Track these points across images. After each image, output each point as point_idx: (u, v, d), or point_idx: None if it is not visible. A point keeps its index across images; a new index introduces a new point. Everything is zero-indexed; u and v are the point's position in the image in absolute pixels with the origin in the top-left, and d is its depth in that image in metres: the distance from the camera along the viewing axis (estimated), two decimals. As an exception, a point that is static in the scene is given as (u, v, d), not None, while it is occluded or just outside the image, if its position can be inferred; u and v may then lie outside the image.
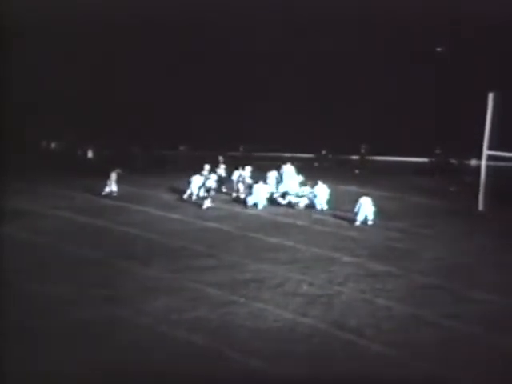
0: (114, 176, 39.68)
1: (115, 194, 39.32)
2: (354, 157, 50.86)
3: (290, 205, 37.45)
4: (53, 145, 51.80)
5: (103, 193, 39.16)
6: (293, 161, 41.85)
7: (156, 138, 51.18)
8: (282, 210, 37.27)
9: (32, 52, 50.69)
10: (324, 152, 51.20)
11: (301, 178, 39.29)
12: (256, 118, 50.90)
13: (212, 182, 38.72)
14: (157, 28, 52.23)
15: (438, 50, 54.43)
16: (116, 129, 50.06)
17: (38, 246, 29.73)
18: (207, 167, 39.53)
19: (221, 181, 40.50)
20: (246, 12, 51.14)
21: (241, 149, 50.11)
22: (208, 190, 38.07)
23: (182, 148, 50.98)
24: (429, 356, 20.16)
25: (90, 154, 49.30)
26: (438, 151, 49.50)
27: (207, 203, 37.08)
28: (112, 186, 39.52)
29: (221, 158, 41.55)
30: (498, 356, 20.31)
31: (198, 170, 39.11)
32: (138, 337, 21.02)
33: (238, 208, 37.49)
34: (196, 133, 49.58)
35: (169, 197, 39.60)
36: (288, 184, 38.79)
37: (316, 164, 49.04)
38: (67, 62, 51.47)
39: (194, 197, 38.41)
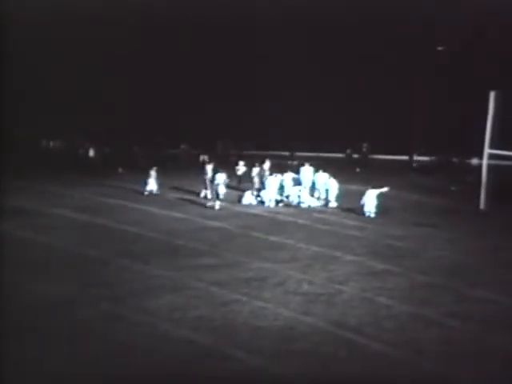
0: (153, 174, 39.20)
1: (156, 192, 39.08)
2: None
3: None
4: (51, 143, 51.87)
5: (145, 192, 38.97)
6: (293, 160, 41.89)
7: (157, 137, 51.27)
8: (282, 208, 37.33)
9: (32, 52, 50.75)
10: (348, 151, 51.38)
11: (326, 174, 39.23)
12: (256, 118, 51.02)
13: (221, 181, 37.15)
14: (157, 28, 52.31)
15: (439, 48, 54.47)
16: (117, 128, 50.13)
17: (37, 244, 29.69)
18: (210, 167, 39.25)
19: (240, 180, 40.72)
20: (247, 12, 51.17)
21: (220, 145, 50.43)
22: (217, 191, 36.89)
23: (182, 146, 51.02)
24: (429, 355, 20.11)
25: (91, 153, 49.31)
26: (422, 150, 49.72)
27: (218, 204, 36.52)
28: (152, 185, 39.14)
29: (206, 158, 41.31)
30: (499, 356, 20.26)
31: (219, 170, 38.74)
32: (140, 336, 20.98)
33: (239, 207, 37.50)
34: (197, 131, 49.62)
35: (170, 195, 39.59)
36: (316, 183, 38.98)
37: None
38: (67, 62, 51.55)
39: (209, 195, 37.95)
